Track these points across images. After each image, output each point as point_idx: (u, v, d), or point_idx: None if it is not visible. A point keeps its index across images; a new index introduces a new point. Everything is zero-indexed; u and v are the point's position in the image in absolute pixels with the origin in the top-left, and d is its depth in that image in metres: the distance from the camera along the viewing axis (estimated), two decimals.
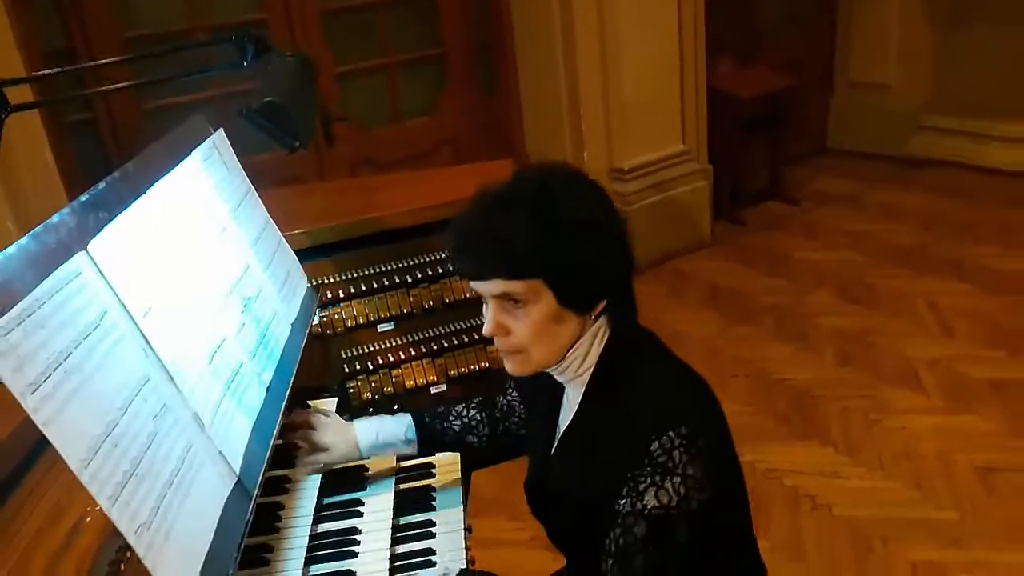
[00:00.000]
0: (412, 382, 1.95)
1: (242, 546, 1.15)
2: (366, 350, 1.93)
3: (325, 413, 1.67)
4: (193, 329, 1.25)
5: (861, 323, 4.04)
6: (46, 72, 1.76)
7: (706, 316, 4.29)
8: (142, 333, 1.08)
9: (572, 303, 1.23)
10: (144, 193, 1.21)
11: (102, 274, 1.04)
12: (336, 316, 1.90)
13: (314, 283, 1.89)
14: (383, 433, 1.60)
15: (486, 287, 1.24)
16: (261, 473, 1.23)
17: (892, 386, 3.54)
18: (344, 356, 1.91)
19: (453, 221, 1.27)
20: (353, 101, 4.29)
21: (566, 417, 1.39)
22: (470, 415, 1.66)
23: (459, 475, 1.70)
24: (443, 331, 1.97)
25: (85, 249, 1.02)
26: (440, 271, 1.96)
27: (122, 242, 1.13)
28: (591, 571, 1.27)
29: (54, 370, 0.90)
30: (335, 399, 1.85)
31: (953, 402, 3.39)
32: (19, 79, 1.52)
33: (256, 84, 1.35)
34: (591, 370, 1.30)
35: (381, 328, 1.93)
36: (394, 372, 1.95)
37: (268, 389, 1.40)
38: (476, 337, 1.98)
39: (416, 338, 1.96)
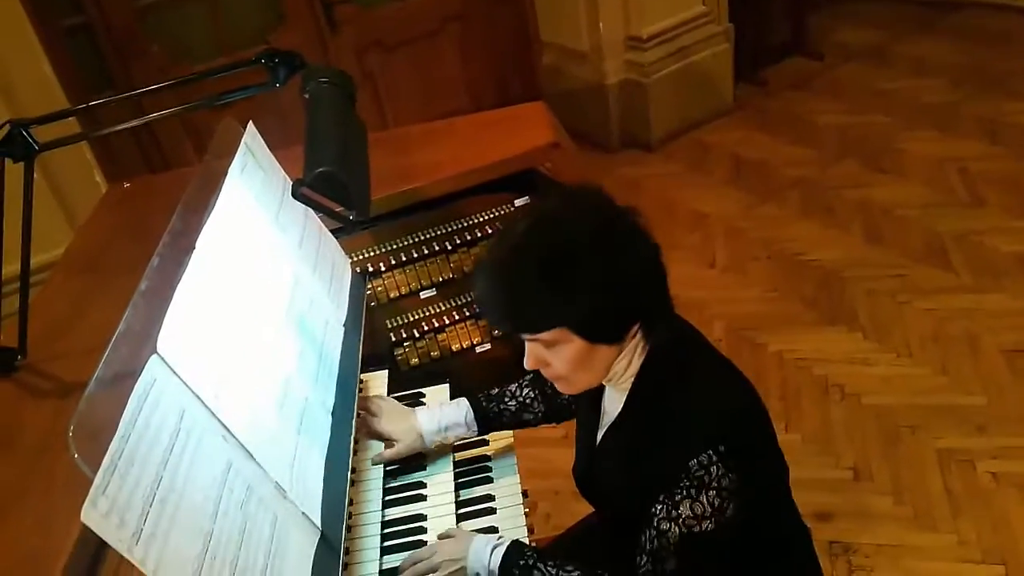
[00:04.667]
0: (458, 344, 1.97)
1: None
2: (411, 317, 1.93)
3: (380, 398, 1.70)
4: (260, 384, 1.24)
5: (889, 195, 3.95)
6: (78, 107, 1.68)
7: (729, 193, 4.20)
8: (218, 419, 1.07)
9: (602, 339, 1.25)
10: (193, 250, 1.17)
11: (174, 371, 1.02)
12: (379, 288, 1.89)
13: (354, 257, 1.86)
14: (444, 419, 1.65)
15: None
16: (344, 517, 1.26)
17: (920, 264, 3.51)
18: (390, 325, 1.92)
19: (477, 266, 1.31)
20: None
21: (608, 414, 1.43)
22: (524, 394, 1.68)
23: (512, 441, 1.75)
24: None
25: (155, 351, 0.99)
26: (478, 234, 1.93)
27: (185, 323, 1.09)
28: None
29: (151, 505, 0.89)
30: (385, 370, 1.87)
31: (981, 279, 3.37)
32: (47, 117, 1.44)
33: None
34: (632, 379, 1.33)
35: (424, 295, 1.93)
36: (439, 336, 1.96)
37: (333, 414, 1.41)
38: None
39: (459, 302, 1.95)
